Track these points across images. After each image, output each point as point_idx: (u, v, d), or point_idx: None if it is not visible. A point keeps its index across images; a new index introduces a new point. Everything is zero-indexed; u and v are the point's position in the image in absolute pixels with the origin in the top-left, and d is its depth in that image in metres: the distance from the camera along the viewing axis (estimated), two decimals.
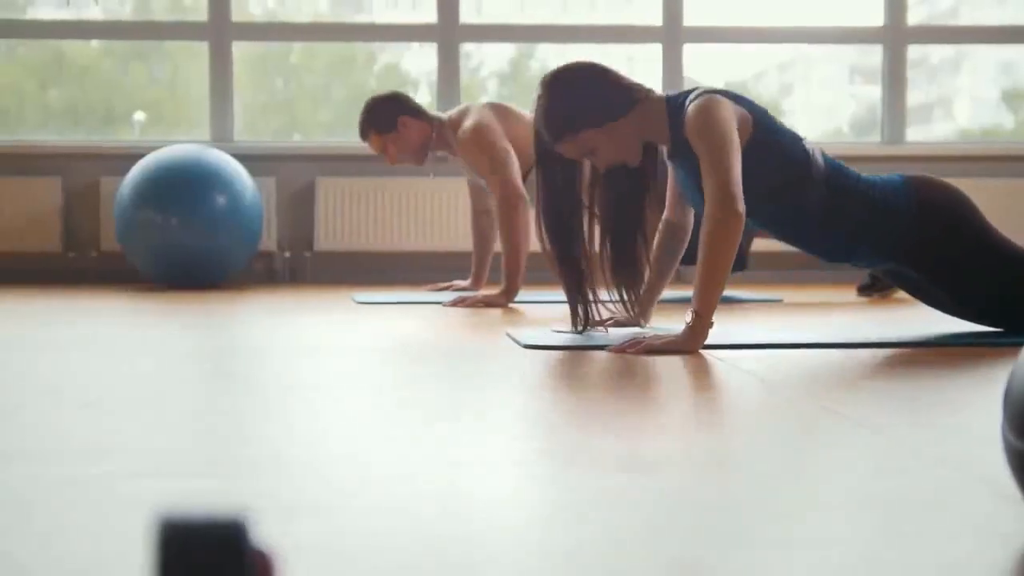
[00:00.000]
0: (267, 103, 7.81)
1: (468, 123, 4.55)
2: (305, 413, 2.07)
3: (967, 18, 7.85)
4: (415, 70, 7.64)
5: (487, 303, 4.31)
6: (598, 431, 1.89)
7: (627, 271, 3.21)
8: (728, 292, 4.86)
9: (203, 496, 1.42)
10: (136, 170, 5.34)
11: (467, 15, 6.27)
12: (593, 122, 3.03)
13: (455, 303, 4.29)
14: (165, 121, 7.35)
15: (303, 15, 7.38)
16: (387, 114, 4.68)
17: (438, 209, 6.01)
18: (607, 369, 2.61)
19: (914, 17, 6.50)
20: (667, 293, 3.45)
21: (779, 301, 4.67)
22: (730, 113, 2.97)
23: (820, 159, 3.08)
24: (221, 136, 6.10)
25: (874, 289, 4.70)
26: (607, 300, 3.20)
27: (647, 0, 6.43)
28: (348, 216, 5.95)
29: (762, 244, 5.01)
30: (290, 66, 7.87)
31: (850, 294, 4.78)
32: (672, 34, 6.17)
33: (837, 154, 6.04)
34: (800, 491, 1.49)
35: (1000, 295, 3.10)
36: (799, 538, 1.26)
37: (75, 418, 1.99)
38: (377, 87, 7.36)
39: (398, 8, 8.18)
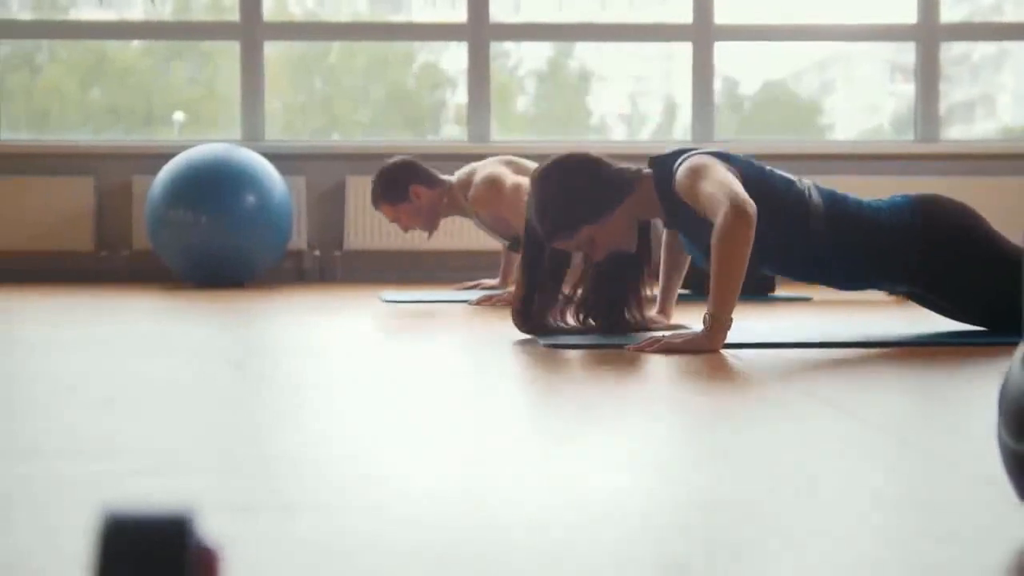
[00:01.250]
0: (306, 103, 7.85)
1: (479, 178, 4.54)
2: (314, 412, 2.08)
3: (1011, 15, 7.76)
4: (453, 68, 7.65)
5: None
6: (596, 429, 1.89)
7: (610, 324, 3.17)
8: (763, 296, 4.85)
9: (192, 493, 1.43)
10: (167, 170, 5.38)
11: (504, 14, 6.28)
12: (590, 218, 3.02)
13: (481, 301, 4.30)
14: (204, 121, 7.40)
15: (342, 15, 7.41)
16: (399, 184, 4.68)
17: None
18: (621, 367, 2.61)
19: (956, 14, 6.45)
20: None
21: (808, 299, 4.64)
22: (720, 166, 2.96)
23: (816, 197, 3.05)
24: (252, 135, 6.13)
25: None
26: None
27: None
28: (378, 215, 5.95)
29: None
30: (329, 66, 7.90)
31: (880, 293, 4.74)
32: (703, 32, 6.15)
33: (871, 153, 5.99)
34: (795, 490, 1.48)
35: (1013, 303, 3.05)
36: (793, 535, 1.26)
37: (86, 416, 2.01)
38: (415, 86, 7.37)
39: (436, 8, 8.19)
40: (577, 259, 3.16)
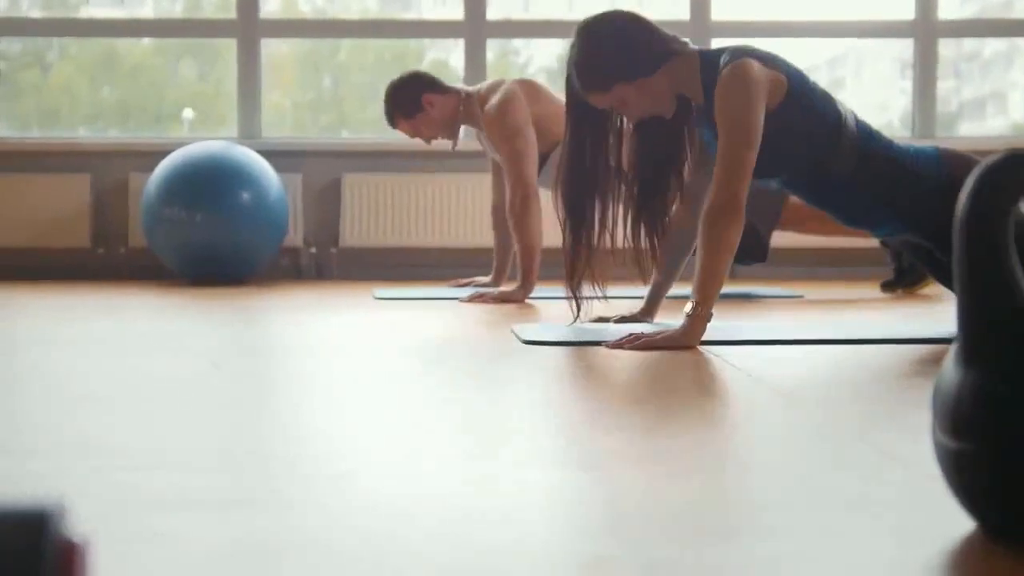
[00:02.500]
0: (316, 100, 7.85)
1: (495, 99, 4.51)
2: (283, 410, 2.09)
3: (1021, 11, 7.70)
4: (463, 66, 7.64)
5: (503, 299, 4.31)
6: (564, 428, 1.89)
7: (650, 225, 3.16)
8: (748, 288, 4.84)
9: (152, 490, 1.44)
10: (162, 167, 5.38)
11: (516, 12, 6.26)
12: (625, 76, 2.99)
13: (472, 299, 4.30)
14: (214, 118, 7.42)
15: (351, 12, 7.41)
16: (410, 96, 4.62)
17: (463, 205, 6.01)
18: (597, 365, 2.61)
19: (966, 11, 6.40)
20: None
21: (800, 297, 4.62)
22: (762, 82, 2.91)
23: (852, 123, 3.02)
24: (249, 133, 6.13)
25: (899, 285, 4.62)
26: (604, 296, 3.18)
27: None
28: (374, 212, 5.96)
29: (785, 239, 4.96)
30: (339, 63, 7.91)
31: (874, 290, 4.72)
32: (700, 29, 6.12)
33: None
34: (754, 487, 1.48)
35: None
36: (733, 531, 1.26)
37: (72, 413, 2.02)
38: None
39: (447, 6, 8.19)
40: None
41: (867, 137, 3.03)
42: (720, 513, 1.36)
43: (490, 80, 4.77)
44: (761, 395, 2.21)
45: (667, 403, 2.16)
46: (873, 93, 9.09)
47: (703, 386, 2.38)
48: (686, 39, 3.10)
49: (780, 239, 4.91)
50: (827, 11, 6.63)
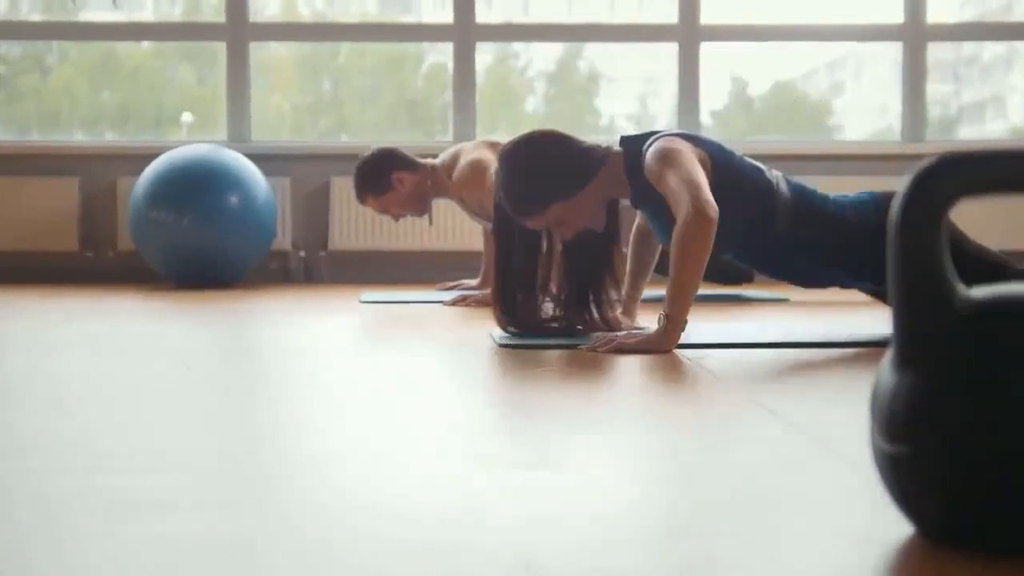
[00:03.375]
0: (315, 104, 7.87)
1: (464, 162, 4.52)
2: (259, 411, 2.09)
3: (1021, 15, 7.70)
4: (452, 69, 7.66)
5: (487, 302, 4.30)
6: (519, 429, 1.89)
7: (582, 318, 3.14)
8: (736, 291, 4.83)
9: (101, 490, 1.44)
10: (150, 171, 5.39)
11: (516, 15, 6.26)
12: (559, 195, 2.99)
13: (455, 302, 4.31)
14: (212, 122, 7.44)
15: (351, 15, 7.43)
16: (380, 174, 4.63)
17: (452, 209, 6.00)
18: (568, 367, 2.61)
19: (965, 14, 6.39)
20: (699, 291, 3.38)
21: (785, 300, 4.62)
22: (689, 152, 2.93)
23: (785, 188, 3.02)
24: (238, 136, 6.14)
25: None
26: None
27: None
28: (362, 216, 5.96)
29: None
30: (338, 67, 7.93)
31: (861, 293, 4.70)
32: (688, 32, 6.12)
33: (857, 154, 5.95)
34: (699, 488, 1.48)
35: None
36: (678, 531, 1.26)
37: (41, 416, 2.02)
38: (424, 87, 7.37)
39: (446, 9, 8.22)
40: (548, 249, 3.11)
41: (800, 198, 3.02)
42: (662, 514, 1.36)
43: (452, 149, 4.74)
44: (721, 397, 2.20)
45: (624, 404, 2.15)
46: (872, 96, 9.10)
47: (665, 387, 2.37)
48: (606, 143, 3.10)
49: None
50: (816, 15, 6.63)
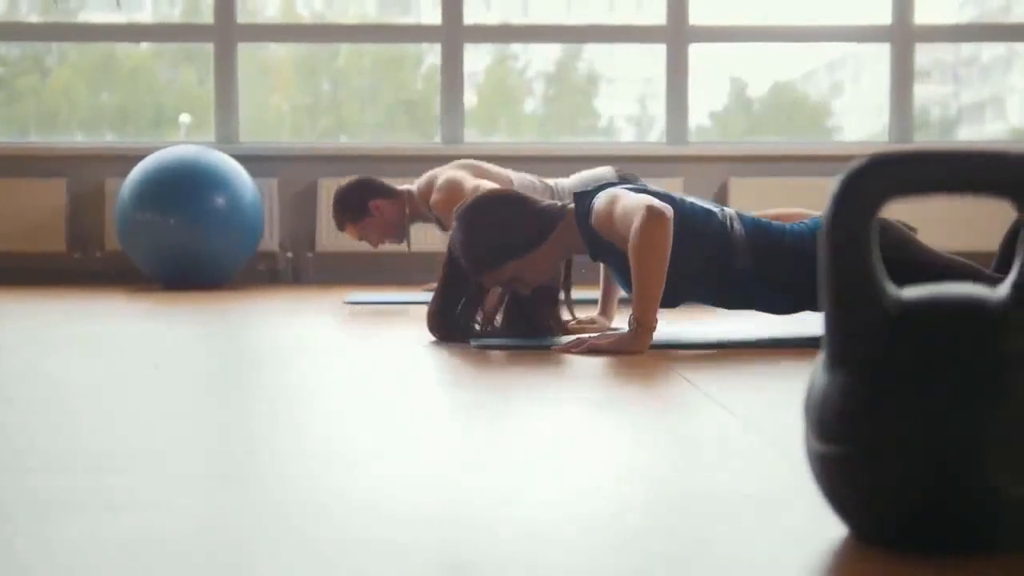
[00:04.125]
0: (314, 105, 7.88)
1: (439, 184, 4.54)
2: (223, 411, 2.09)
3: (1020, 14, 7.68)
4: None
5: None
6: (468, 428, 1.89)
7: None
8: None
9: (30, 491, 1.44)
10: (136, 172, 5.39)
11: (516, 16, 6.26)
12: (515, 254, 3.01)
13: None
14: (210, 123, 7.46)
15: (348, 16, 7.43)
16: (357, 202, 4.68)
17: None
18: (540, 367, 2.61)
19: (964, 15, 6.37)
20: None
21: None
22: (632, 194, 2.93)
23: (738, 226, 3.01)
24: (226, 137, 6.14)
25: None
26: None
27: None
28: None
29: None
30: (337, 68, 7.93)
31: None
32: (677, 33, 6.12)
33: (853, 155, 5.98)
34: (637, 488, 1.48)
35: None
36: (602, 527, 1.26)
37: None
38: (423, 88, 7.37)
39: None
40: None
41: (756, 234, 3.01)
42: (596, 514, 1.36)
43: (426, 175, 4.76)
44: (684, 397, 2.20)
45: (587, 403, 2.14)
46: (872, 97, 9.09)
47: (630, 388, 2.36)
48: (561, 203, 3.10)
49: None
50: (806, 16, 6.63)
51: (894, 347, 1.23)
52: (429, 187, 4.63)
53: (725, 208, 3.09)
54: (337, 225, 4.79)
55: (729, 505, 1.40)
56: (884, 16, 6.27)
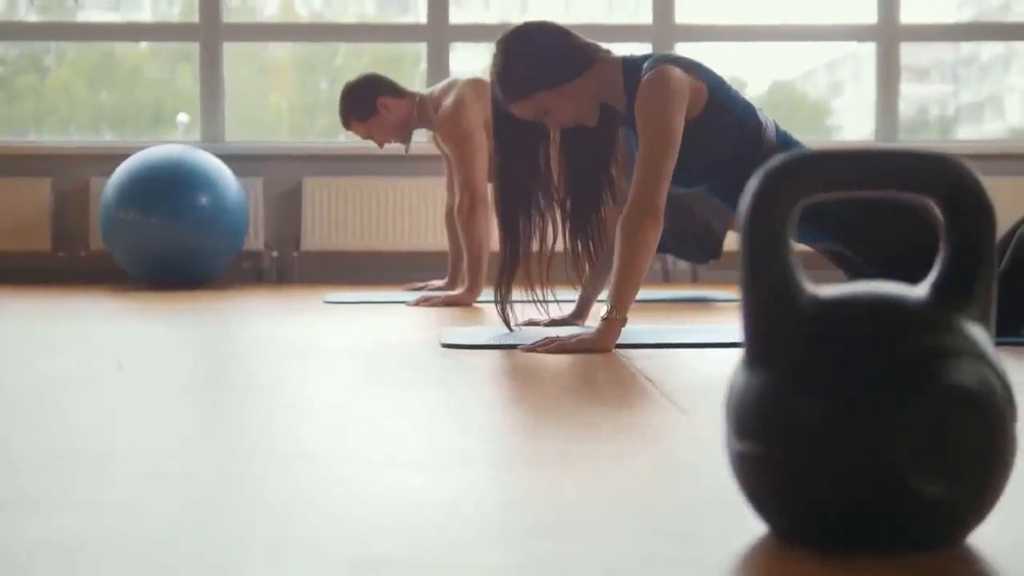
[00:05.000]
0: (312, 104, 7.88)
1: (448, 101, 4.51)
2: (158, 413, 2.08)
3: (1018, 13, 7.66)
4: (457, 70, 7.66)
5: (450, 302, 4.32)
6: (423, 428, 1.89)
7: (585, 235, 3.18)
8: (703, 292, 4.82)
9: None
10: (120, 171, 5.39)
11: (514, 15, 6.25)
12: (547, 83, 2.99)
13: (419, 302, 4.30)
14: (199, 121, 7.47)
15: (348, 15, 7.43)
16: (366, 99, 4.62)
17: (425, 209, 6.01)
18: (508, 369, 2.60)
19: (963, 14, 6.35)
20: (657, 293, 3.35)
21: None
22: (682, 89, 2.92)
23: (773, 132, 3.04)
24: (211, 137, 6.14)
25: None
26: (542, 300, 3.18)
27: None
28: (335, 216, 5.97)
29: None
30: (336, 67, 7.94)
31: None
32: (663, 32, 6.10)
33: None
34: (565, 489, 1.48)
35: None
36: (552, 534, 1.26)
37: None
38: (419, 88, 7.37)
39: (460, 8, 8.21)
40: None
41: (787, 145, 3.04)
42: (517, 514, 1.36)
43: (444, 81, 4.75)
44: (645, 398, 2.19)
45: (536, 405, 2.14)
46: (871, 96, 9.08)
47: (591, 388, 2.36)
48: (608, 48, 3.11)
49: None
50: (794, 15, 6.61)
51: (810, 346, 1.23)
52: (442, 96, 4.59)
53: (767, 114, 3.10)
54: (343, 122, 4.73)
55: (653, 505, 1.39)
56: (870, 15, 6.25)
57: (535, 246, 3.12)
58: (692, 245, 4.43)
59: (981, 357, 1.22)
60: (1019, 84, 8.64)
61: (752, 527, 1.27)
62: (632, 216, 2.82)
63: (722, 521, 1.31)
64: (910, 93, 8.43)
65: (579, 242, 3.18)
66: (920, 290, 1.28)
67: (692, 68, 2.99)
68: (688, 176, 3.01)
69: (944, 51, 8.46)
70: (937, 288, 1.27)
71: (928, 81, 8.82)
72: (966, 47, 8.48)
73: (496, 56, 3.05)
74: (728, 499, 1.35)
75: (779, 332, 1.25)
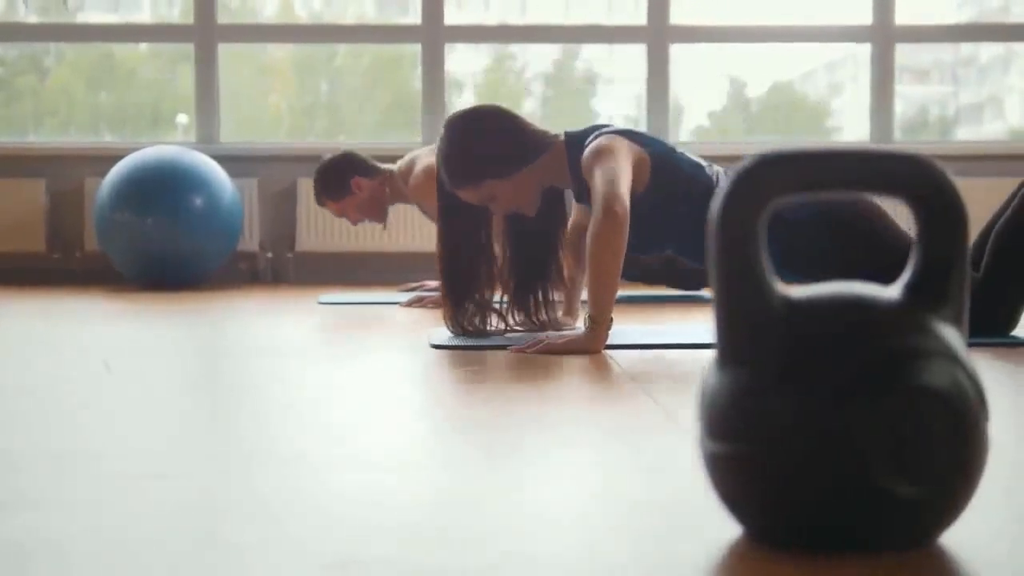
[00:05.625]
0: (312, 105, 7.89)
1: (419, 168, 4.52)
2: (146, 414, 2.08)
3: (1018, 14, 7.65)
4: (459, 71, 7.66)
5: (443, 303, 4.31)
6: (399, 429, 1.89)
7: (528, 314, 3.20)
8: (697, 292, 4.82)
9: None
10: (114, 172, 5.40)
11: (513, 16, 6.25)
12: (496, 173, 3.00)
13: (411, 303, 4.31)
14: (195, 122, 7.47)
15: (347, 16, 7.44)
16: (339, 179, 4.64)
17: (418, 211, 6.00)
18: (491, 368, 2.60)
19: (963, 15, 6.35)
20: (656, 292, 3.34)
21: None
22: (625, 151, 2.94)
23: (724, 181, 3.01)
24: (206, 138, 6.14)
25: None
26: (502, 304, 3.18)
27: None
28: (329, 217, 5.97)
29: None
30: (335, 68, 7.94)
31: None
32: (658, 33, 6.10)
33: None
34: (544, 489, 1.48)
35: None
36: (515, 528, 1.26)
37: None
38: (420, 88, 7.38)
39: (462, 10, 8.22)
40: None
41: None
42: (496, 513, 1.36)
43: (408, 156, 4.74)
44: (627, 397, 2.19)
45: (523, 405, 2.13)
46: (868, 97, 9.07)
47: (575, 388, 2.35)
48: (553, 132, 3.11)
49: None
50: (789, 15, 6.61)
51: (783, 346, 1.23)
52: (409, 169, 4.61)
53: (714, 165, 3.12)
54: (316, 200, 4.75)
55: (633, 505, 1.39)
56: (866, 16, 6.25)
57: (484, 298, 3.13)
58: (687, 277, 4.47)
59: (953, 358, 1.22)
60: (1019, 85, 8.63)
61: (730, 527, 1.27)
62: (597, 221, 2.80)
63: (699, 521, 1.31)
64: (910, 94, 8.43)
65: (519, 311, 3.19)
66: (893, 291, 1.28)
67: (632, 136, 3.01)
68: (650, 243, 3.04)
69: (944, 52, 8.45)
70: (910, 289, 1.27)
71: (928, 82, 8.81)
72: (966, 48, 8.47)
73: (443, 138, 3.04)
74: (705, 499, 1.35)
75: (751, 332, 1.25)
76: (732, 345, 1.26)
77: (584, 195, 3.05)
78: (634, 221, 2.88)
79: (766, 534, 1.24)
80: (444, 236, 3.12)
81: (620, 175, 2.87)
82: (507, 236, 3.15)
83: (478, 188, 3.02)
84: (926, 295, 1.27)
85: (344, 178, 4.64)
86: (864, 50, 6.47)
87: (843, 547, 1.19)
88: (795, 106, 8.61)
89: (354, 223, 4.80)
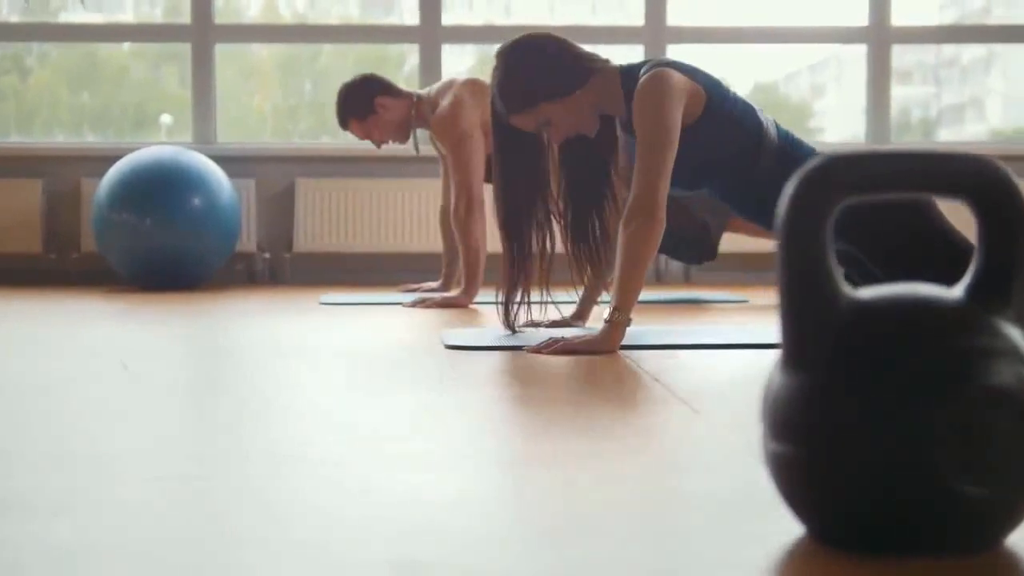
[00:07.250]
0: (297, 105, 7.86)
1: (445, 102, 4.49)
2: (150, 415, 2.07)
3: (999, 16, 7.69)
4: (448, 70, 7.65)
5: (446, 304, 4.31)
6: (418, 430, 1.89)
7: (587, 245, 3.20)
8: (695, 293, 4.83)
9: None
10: (112, 173, 5.37)
11: (499, 17, 6.24)
12: (549, 95, 3.02)
13: (415, 304, 4.30)
14: (190, 124, 7.44)
15: (331, 17, 7.41)
16: (363, 98, 4.60)
17: (417, 210, 6.00)
18: (514, 370, 2.60)
19: (945, 17, 6.37)
20: (651, 295, 3.34)
21: (744, 302, 4.60)
22: (679, 90, 2.94)
23: (773, 131, 3.06)
24: (203, 138, 6.12)
25: None
26: (544, 301, 3.18)
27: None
28: (327, 217, 5.95)
29: (734, 245, 4.95)
30: (320, 68, 7.91)
31: None
32: (654, 34, 6.10)
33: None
34: (594, 490, 1.48)
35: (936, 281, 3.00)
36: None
37: None
38: (415, 89, 7.38)
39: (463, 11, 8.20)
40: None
41: (787, 144, 3.05)
42: (530, 515, 1.36)
43: (441, 81, 4.73)
44: (656, 399, 2.19)
45: (543, 405, 2.13)
46: (854, 98, 9.10)
47: (600, 389, 2.36)
48: (607, 57, 3.12)
49: (732, 245, 4.89)
50: (784, 17, 6.62)
51: (848, 347, 1.23)
52: (439, 96, 4.57)
53: (766, 113, 3.12)
54: (340, 122, 4.71)
55: (686, 505, 1.39)
56: (861, 18, 6.27)
57: (537, 252, 3.13)
58: (688, 247, 4.45)
59: (1020, 357, 1.23)
60: (1000, 86, 8.69)
61: (792, 527, 1.26)
62: (633, 215, 2.83)
63: (759, 521, 1.31)
64: (893, 95, 8.48)
65: (581, 250, 3.20)
66: (956, 291, 1.28)
67: (689, 71, 3.01)
68: (689, 179, 3.03)
69: (926, 53, 8.50)
70: (973, 289, 1.28)
71: (911, 83, 8.85)
72: (948, 49, 8.52)
73: (496, 68, 3.06)
74: (763, 499, 1.35)
75: (817, 333, 1.25)
76: (798, 346, 1.26)
77: (631, 125, 3.03)
78: (677, 154, 2.89)
79: (829, 536, 1.25)
80: (501, 171, 3.13)
81: (666, 155, 2.87)
82: (562, 167, 3.16)
83: (533, 112, 3.03)
84: (989, 295, 1.27)
85: (368, 97, 4.60)
86: (849, 51, 6.50)
87: (907, 549, 1.19)
88: (778, 107, 8.64)
89: (379, 144, 4.74)
